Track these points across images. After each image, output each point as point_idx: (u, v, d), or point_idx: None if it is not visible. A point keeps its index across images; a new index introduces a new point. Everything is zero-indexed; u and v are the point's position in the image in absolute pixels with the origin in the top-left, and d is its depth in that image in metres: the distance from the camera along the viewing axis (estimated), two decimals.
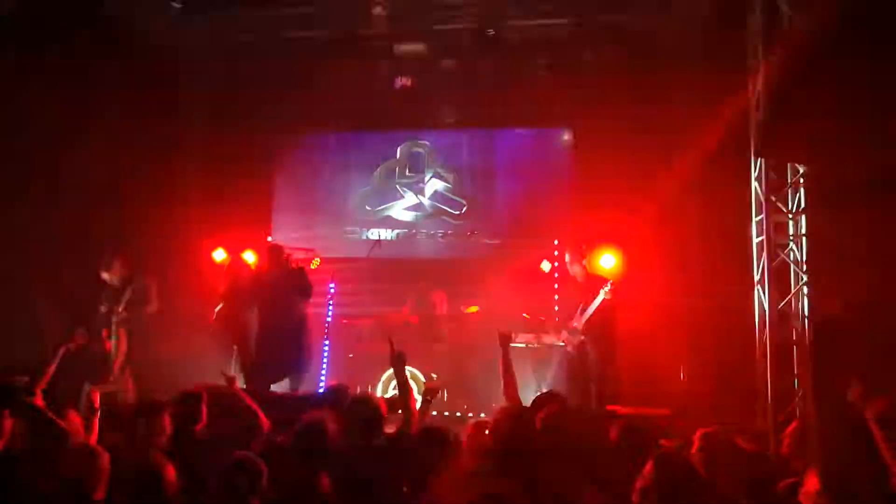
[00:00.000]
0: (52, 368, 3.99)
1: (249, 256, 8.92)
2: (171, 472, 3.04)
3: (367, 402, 3.89)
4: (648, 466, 2.66)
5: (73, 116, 9.22)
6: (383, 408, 3.81)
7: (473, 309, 8.99)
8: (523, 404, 4.01)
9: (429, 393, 4.60)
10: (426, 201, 10.59)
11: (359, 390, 8.30)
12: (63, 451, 3.00)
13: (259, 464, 3.01)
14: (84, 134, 9.44)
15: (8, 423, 3.04)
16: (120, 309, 7.76)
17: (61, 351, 4.07)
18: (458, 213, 10.42)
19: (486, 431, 3.41)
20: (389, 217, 10.68)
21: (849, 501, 2.00)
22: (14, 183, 8.99)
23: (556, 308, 8.72)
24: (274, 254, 6.75)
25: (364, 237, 10.52)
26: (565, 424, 3.38)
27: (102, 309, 7.80)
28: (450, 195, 10.51)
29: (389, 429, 3.94)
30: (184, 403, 4.12)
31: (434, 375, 8.36)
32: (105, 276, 8.01)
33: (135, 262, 8.47)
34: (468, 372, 8.80)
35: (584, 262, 7.19)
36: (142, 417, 3.73)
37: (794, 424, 4.29)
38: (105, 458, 2.95)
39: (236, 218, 10.31)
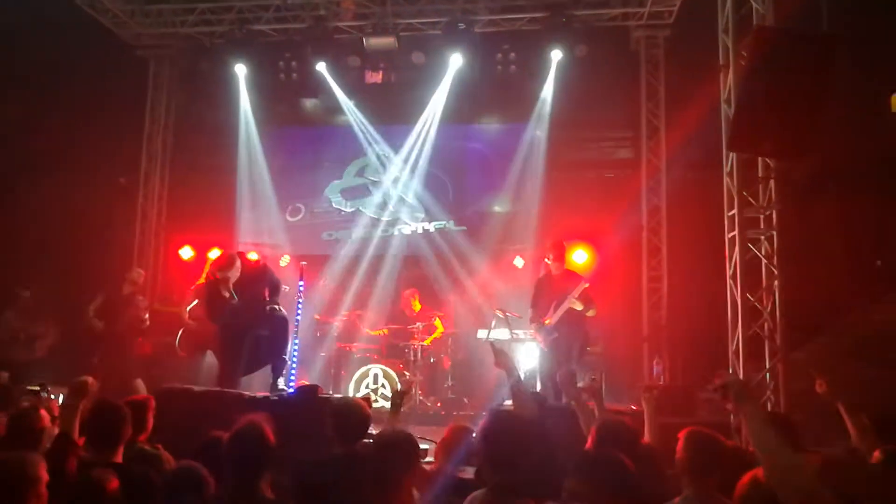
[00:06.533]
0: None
1: (215, 254, 8.75)
2: (114, 485, 2.85)
3: (353, 406, 3.72)
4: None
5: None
6: (367, 412, 3.67)
7: (440, 328, 8.88)
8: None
9: (398, 396, 4.27)
10: (396, 197, 10.47)
11: (330, 390, 8.20)
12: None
13: (202, 473, 2.83)
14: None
15: None
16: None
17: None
18: (428, 208, 10.33)
19: (474, 435, 3.29)
20: (358, 213, 10.54)
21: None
22: None
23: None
24: (224, 262, 6.52)
25: (333, 236, 10.37)
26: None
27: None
28: (421, 191, 10.41)
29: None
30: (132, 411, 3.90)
31: (407, 374, 8.28)
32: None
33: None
34: (441, 370, 8.74)
35: (562, 258, 7.15)
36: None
37: None
38: (39, 467, 2.78)
39: (202, 215, 10.15)
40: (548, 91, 9.77)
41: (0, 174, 9.47)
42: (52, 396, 5.31)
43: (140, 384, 7.45)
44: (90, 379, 3.56)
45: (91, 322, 8.07)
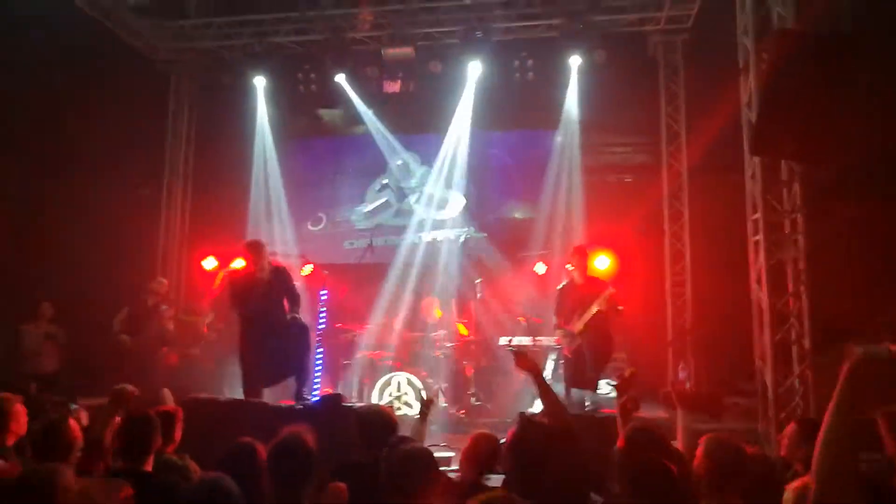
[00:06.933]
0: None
1: (238, 263, 8.82)
2: (128, 493, 2.86)
3: (380, 413, 3.72)
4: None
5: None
6: (395, 419, 3.66)
7: (463, 331, 8.91)
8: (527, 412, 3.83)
9: (425, 406, 4.31)
10: (417, 208, 10.53)
11: (353, 398, 8.21)
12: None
13: (230, 485, 2.75)
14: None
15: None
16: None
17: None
18: (449, 216, 10.36)
19: (501, 442, 3.25)
20: (380, 224, 10.62)
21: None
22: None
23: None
24: (254, 249, 6.61)
25: (354, 245, 10.45)
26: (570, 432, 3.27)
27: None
28: (441, 200, 10.46)
29: None
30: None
31: (430, 381, 8.27)
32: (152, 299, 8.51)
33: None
34: (463, 377, 8.72)
35: (584, 265, 7.11)
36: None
37: (791, 426, 4.20)
38: (69, 479, 2.80)
39: (225, 226, 10.24)
40: (568, 98, 9.76)
41: (24, 186, 9.65)
42: (80, 409, 5.38)
43: (167, 394, 7.52)
44: (130, 387, 3.59)
45: (118, 337, 8.17)
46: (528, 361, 3.79)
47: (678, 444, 3.93)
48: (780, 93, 5.77)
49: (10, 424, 3.87)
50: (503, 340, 8.52)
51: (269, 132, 10.50)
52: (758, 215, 6.60)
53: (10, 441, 3.85)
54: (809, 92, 5.64)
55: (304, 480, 2.98)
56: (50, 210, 9.78)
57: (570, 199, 9.76)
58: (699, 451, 2.99)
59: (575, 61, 9.44)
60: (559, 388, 7.23)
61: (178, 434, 4.04)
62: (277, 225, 10.51)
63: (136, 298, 8.63)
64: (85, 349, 8.58)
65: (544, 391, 3.66)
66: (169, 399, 6.81)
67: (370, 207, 10.72)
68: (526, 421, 3.05)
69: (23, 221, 9.58)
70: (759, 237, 6.56)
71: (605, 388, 7.23)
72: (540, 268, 9.18)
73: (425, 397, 4.28)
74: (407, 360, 8.75)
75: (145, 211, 10.53)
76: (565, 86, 9.74)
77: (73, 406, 5.25)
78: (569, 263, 7.19)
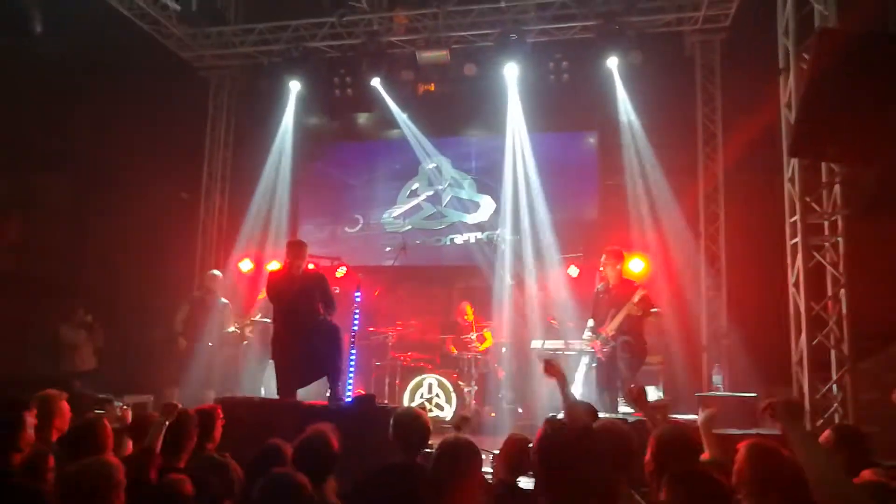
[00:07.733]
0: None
1: (273, 266, 8.97)
2: (188, 489, 2.96)
3: (416, 416, 3.76)
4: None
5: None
6: (428, 423, 3.69)
7: (488, 339, 8.93)
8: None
9: (460, 423, 4.41)
10: (445, 210, 10.58)
11: (386, 400, 8.27)
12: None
13: (300, 480, 2.83)
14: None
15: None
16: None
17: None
18: (482, 219, 10.38)
19: (530, 445, 3.27)
20: (413, 227, 10.70)
21: None
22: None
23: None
24: (295, 248, 6.69)
25: (388, 248, 10.53)
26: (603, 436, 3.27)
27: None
28: (471, 203, 10.49)
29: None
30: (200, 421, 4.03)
31: (466, 389, 8.31)
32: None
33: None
34: (495, 380, 8.73)
35: (619, 267, 7.05)
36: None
37: (827, 432, 4.12)
38: (120, 472, 2.89)
39: (262, 229, 10.41)
40: (607, 98, 9.68)
41: (68, 190, 9.95)
42: (125, 406, 5.53)
43: (209, 396, 7.68)
44: (177, 403, 3.77)
45: (176, 339, 8.36)
46: (554, 369, 4.07)
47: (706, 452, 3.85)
48: (822, 93, 5.63)
49: (54, 420, 4.01)
50: (535, 343, 8.50)
51: (291, 136, 10.57)
52: (796, 217, 6.47)
53: (55, 436, 3.99)
54: (852, 93, 5.50)
55: (327, 476, 3.07)
56: (93, 216, 10.04)
57: (604, 201, 9.69)
58: (740, 457, 2.94)
59: (612, 62, 9.36)
60: (591, 391, 7.20)
61: (218, 433, 4.14)
62: (311, 227, 10.64)
63: (193, 297, 8.85)
64: (126, 348, 8.81)
65: (567, 401, 3.84)
66: (210, 400, 6.96)
67: (400, 211, 10.78)
68: (551, 424, 3.06)
69: (66, 227, 9.85)
70: (798, 240, 6.44)
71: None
72: (573, 270, 9.13)
73: (460, 416, 4.36)
74: (439, 362, 8.80)
75: (184, 215, 10.76)
76: (600, 87, 9.65)
77: (118, 403, 5.40)
78: (603, 266, 7.13)
